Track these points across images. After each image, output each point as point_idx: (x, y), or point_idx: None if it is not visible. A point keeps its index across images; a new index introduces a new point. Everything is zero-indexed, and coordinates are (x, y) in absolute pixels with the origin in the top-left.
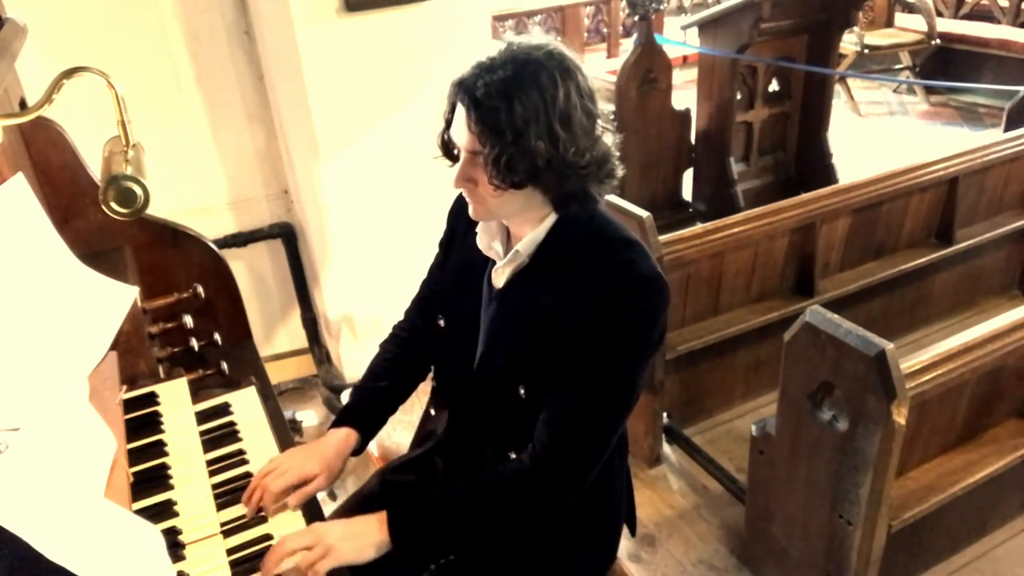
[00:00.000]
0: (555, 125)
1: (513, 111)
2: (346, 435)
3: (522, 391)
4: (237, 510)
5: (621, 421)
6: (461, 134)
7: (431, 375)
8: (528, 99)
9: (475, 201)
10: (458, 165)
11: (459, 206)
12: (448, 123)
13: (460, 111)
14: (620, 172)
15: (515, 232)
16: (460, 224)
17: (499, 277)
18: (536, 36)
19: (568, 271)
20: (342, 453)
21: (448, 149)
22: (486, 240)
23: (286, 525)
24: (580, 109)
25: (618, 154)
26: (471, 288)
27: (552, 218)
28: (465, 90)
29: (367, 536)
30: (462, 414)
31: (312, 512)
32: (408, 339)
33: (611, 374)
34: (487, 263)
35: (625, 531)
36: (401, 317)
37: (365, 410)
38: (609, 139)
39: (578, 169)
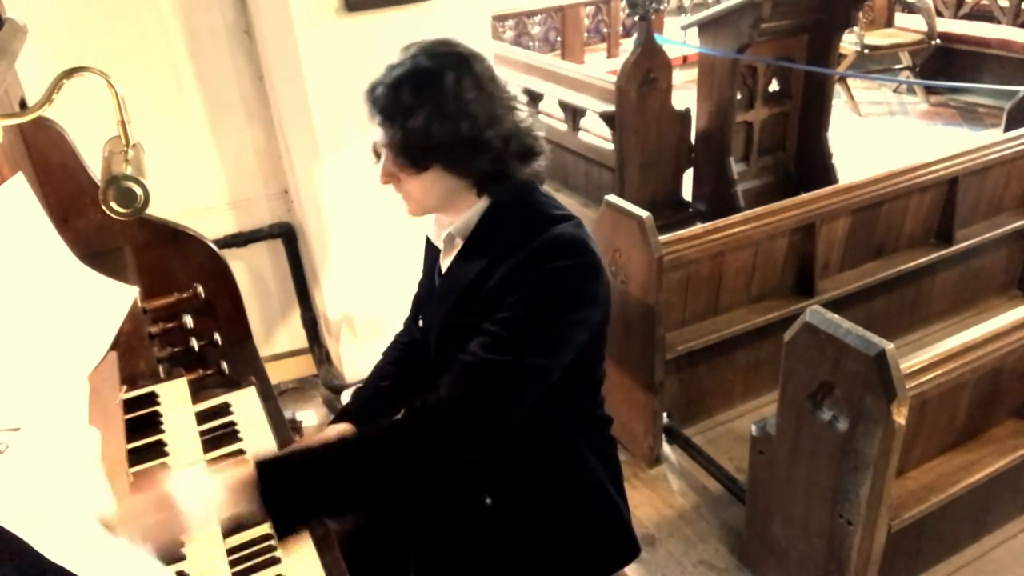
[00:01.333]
0: (446, 104)
1: (400, 98)
2: (340, 431)
3: None
4: None
5: (531, 380)
6: (376, 132)
7: None
8: (414, 87)
9: (404, 197)
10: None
11: None
12: None
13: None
14: (545, 148)
15: (454, 222)
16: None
17: (443, 264)
18: (443, 38)
19: (498, 243)
20: None
21: (379, 154)
22: (436, 231)
23: None
24: (474, 89)
25: (538, 134)
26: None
27: (483, 202)
28: (368, 91)
29: (228, 507)
30: None
31: None
32: (408, 343)
33: (522, 329)
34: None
35: None
36: (402, 318)
37: (365, 409)
38: (522, 116)
39: (479, 144)
